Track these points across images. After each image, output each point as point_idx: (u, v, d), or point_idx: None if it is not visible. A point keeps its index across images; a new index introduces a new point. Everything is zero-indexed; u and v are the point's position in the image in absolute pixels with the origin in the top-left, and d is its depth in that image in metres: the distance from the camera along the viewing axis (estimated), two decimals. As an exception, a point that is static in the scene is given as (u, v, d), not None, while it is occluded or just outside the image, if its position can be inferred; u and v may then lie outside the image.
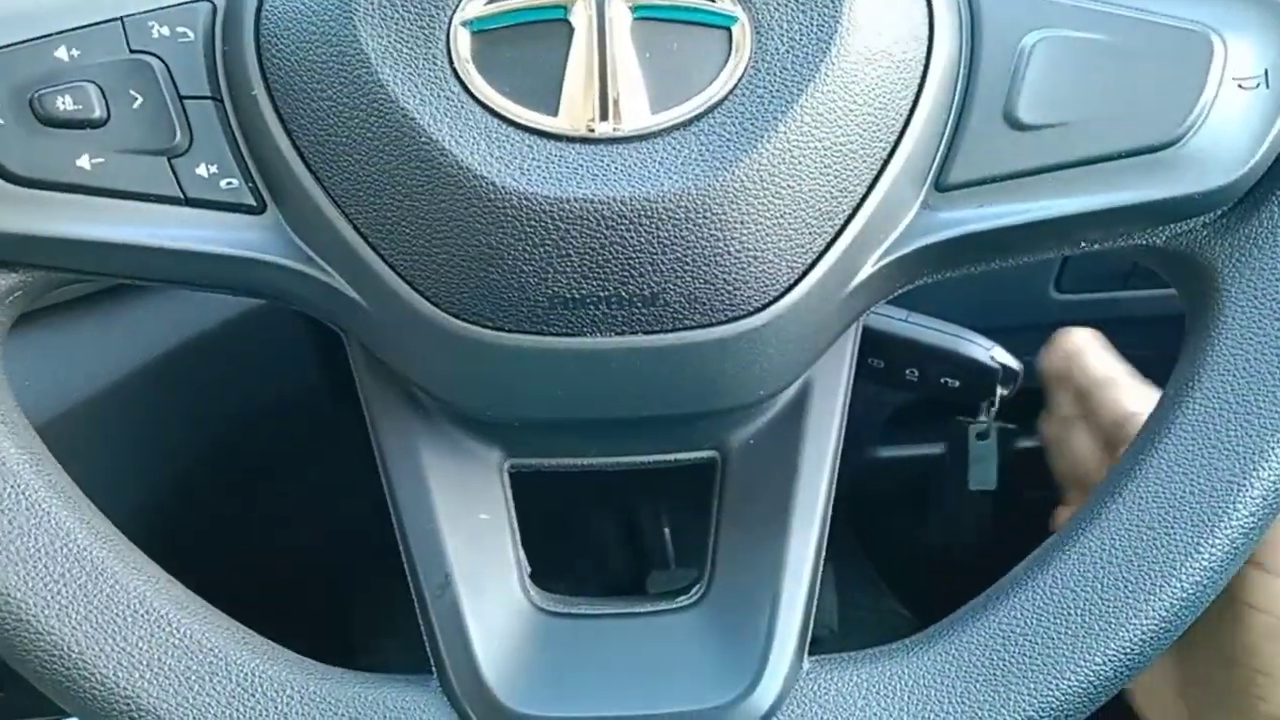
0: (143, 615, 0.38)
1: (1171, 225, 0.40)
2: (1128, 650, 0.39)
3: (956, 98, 0.38)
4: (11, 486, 0.38)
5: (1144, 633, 0.39)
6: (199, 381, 0.64)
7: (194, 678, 0.38)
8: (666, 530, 1.06)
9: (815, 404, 0.41)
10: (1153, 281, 0.71)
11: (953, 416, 0.66)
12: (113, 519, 0.40)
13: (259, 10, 0.37)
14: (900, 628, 1.07)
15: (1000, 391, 0.61)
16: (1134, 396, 0.54)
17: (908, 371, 0.61)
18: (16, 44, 0.37)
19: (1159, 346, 0.74)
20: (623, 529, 1.06)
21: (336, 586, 0.97)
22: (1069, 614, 0.39)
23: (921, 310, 0.62)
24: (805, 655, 0.39)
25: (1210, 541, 0.39)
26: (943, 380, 0.61)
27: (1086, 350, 0.57)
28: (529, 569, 0.41)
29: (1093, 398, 0.56)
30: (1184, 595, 0.39)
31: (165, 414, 0.65)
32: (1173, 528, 0.39)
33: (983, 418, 0.62)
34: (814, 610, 0.40)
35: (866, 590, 1.05)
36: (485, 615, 0.39)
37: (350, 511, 0.87)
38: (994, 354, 0.60)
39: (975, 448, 0.61)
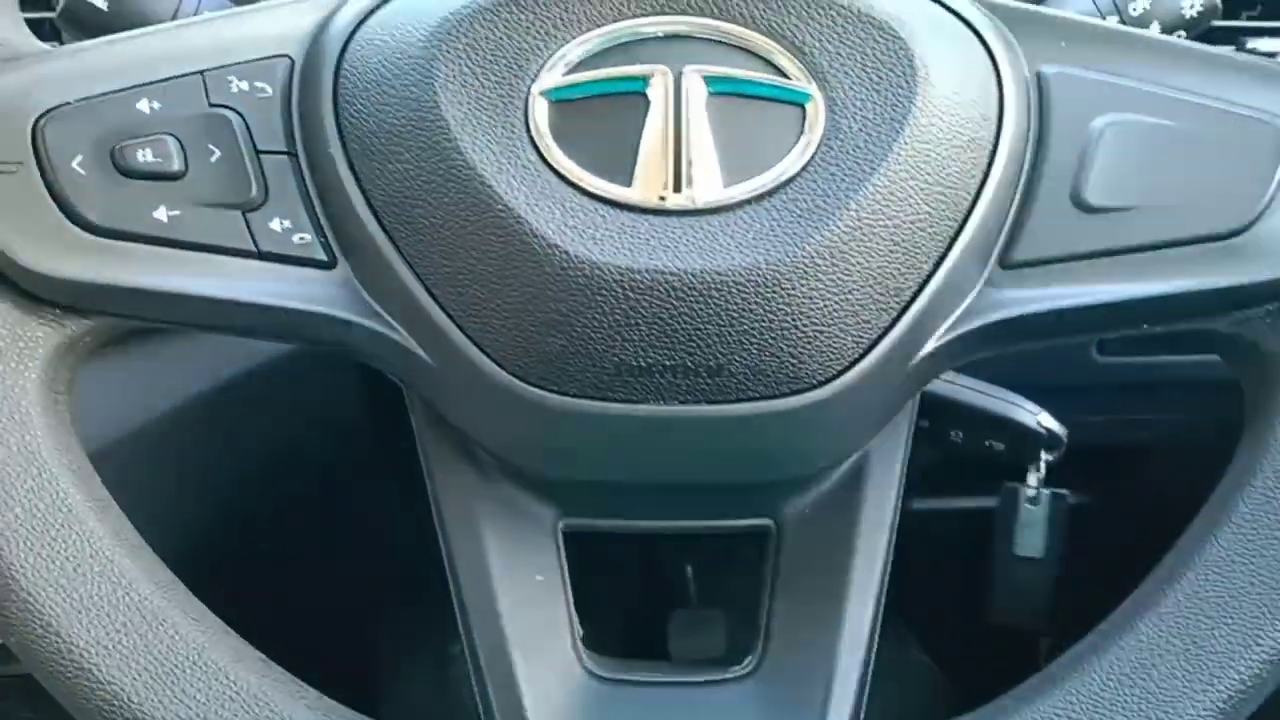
0: (201, 667, 0.38)
1: (1235, 312, 0.40)
2: None
3: (1024, 178, 0.38)
4: (77, 534, 0.38)
5: None
6: (244, 417, 0.65)
7: None
8: (689, 568, 1.06)
9: (873, 475, 0.41)
10: (1197, 346, 0.70)
11: (986, 473, 0.66)
12: (154, 550, 0.40)
13: (338, 69, 0.38)
14: (925, 679, 1.06)
15: (1045, 457, 0.61)
16: None
17: (952, 433, 0.61)
18: (101, 95, 0.37)
19: (1202, 411, 0.74)
20: (644, 566, 1.06)
21: (363, 624, 0.97)
22: (1124, 704, 0.39)
23: (964, 371, 0.62)
24: None
25: (1271, 633, 0.38)
26: (988, 443, 0.60)
27: None
28: (581, 632, 0.41)
29: None
30: (1242, 687, 0.38)
31: (210, 448, 0.66)
32: (1231, 618, 0.39)
33: (1031, 482, 0.61)
34: (868, 683, 0.40)
35: (891, 640, 1.04)
36: (539, 680, 0.39)
37: (382, 549, 0.88)
38: (1040, 419, 0.60)
39: (1025, 513, 0.61)
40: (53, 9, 0.46)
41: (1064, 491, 0.62)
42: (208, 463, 0.68)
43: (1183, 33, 0.49)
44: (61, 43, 0.54)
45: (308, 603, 0.85)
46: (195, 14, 0.46)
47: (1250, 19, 0.65)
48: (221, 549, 0.71)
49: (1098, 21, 0.46)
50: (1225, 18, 0.62)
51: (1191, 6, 0.48)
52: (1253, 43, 0.62)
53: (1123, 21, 0.48)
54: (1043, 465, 0.61)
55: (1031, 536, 0.62)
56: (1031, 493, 0.61)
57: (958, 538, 0.78)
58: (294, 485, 0.73)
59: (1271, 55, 0.44)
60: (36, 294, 0.38)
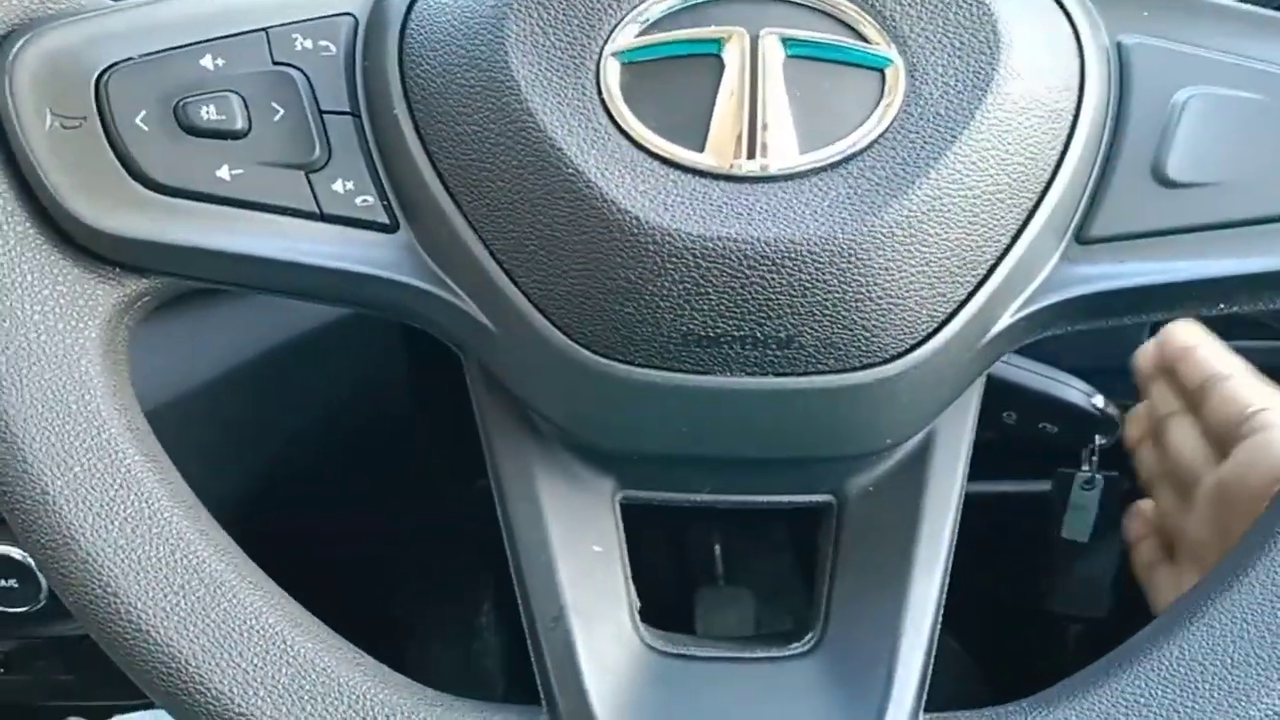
0: (259, 632, 0.38)
1: None
2: None
3: (1103, 150, 0.37)
4: (135, 495, 0.38)
5: None
6: (289, 382, 0.64)
7: (307, 698, 0.37)
8: (717, 546, 1.06)
9: (939, 452, 0.40)
10: (1256, 332, 0.69)
11: (1023, 457, 0.65)
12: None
13: (404, 27, 0.37)
14: (954, 664, 1.06)
15: (1099, 440, 0.60)
16: (1254, 392, 0.53)
17: (1005, 414, 0.60)
18: (165, 50, 0.37)
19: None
20: (672, 542, 1.06)
21: (392, 591, 0.97)
22: (1195, 689, 0.38)
23: (1019, 350, 0.61)
24: (921, 711, 0.39)
25: None
26: (1041, 425, 0.60)
27: (1201, 344, 0.55)
28: (639, 605, 0.41)
29: (1207, 392, 0.54)
30: None
31: (255, 412, 0.65)
32: None
33: (1085, 466, 0.61)
34: (931, 664, 0.39)
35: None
36: (597, 651, 0.38)
37: (418, 518, 0.88)
38: (1095, 401, 0.60)
39: (1077, 495, 0.60)
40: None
41: (1118, 474, 0.61)
42: (252, 427, 0.67)
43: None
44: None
45: (342, 568, 0.85)
46: None
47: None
48: (260, 513, 0.71)
49: None
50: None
51: (1273, -24, 0.47)
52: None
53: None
54: (1096, 447, 0.60)
55: (1080, 520, 0.61)
56: (1086, 476, 0.60)
57: (987, 523, 0.77)
58: (337, 450, 0.73)
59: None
60: (97, 252, 0.38)
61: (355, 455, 0.74)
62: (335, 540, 0.84)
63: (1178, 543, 0.55)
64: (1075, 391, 0.60)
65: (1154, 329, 0.74)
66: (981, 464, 0.79)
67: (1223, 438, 0.53)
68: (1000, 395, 0.60)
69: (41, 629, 0.70)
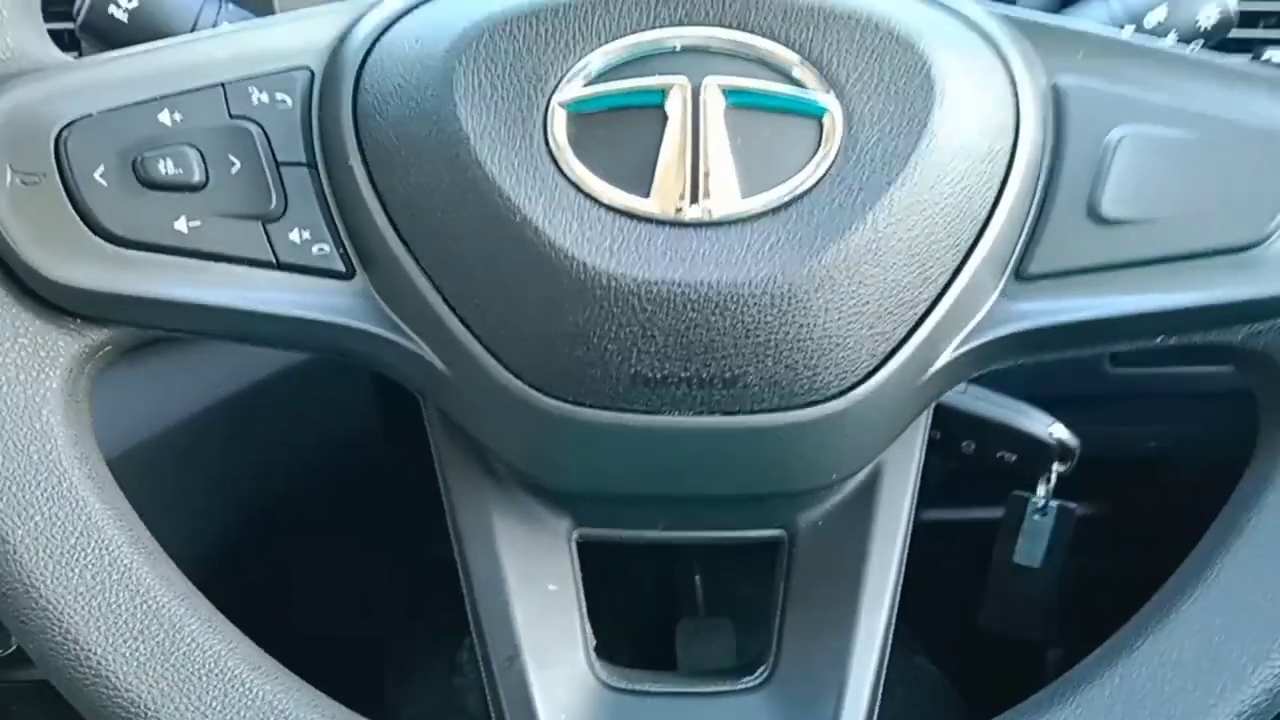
0: (218, 675, 0.38)
1: (1250, 325, 0.40)
2: None
3: (1040, 190, 0.38)
4: (95, 543, 0.38)
5: None
6: (258, 426, 0.65)
7: None
8: (698, 577, 1.06)
9: (886, 486, 0.41)
10: (1211, 358, 0.70)
11: (997, 484, 0.66)
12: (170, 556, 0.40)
13: (358, 81, 0.38)
14: (933, 689, 1.06)
15: (1057, 468, 0.61)
16: None
17: (964, 444, 0.61)
18: (123, 107, 0.38)
19: (1216, 423, 0.74)
20: (653, 574, 1.06)
21: (372, 632, 0.97)
22: (1134, 717, 0.38)
23: (976, 382, 0.62)
24: None
25: None
26: (999, 454, 0.60)
27: None
28: (595, 642, 0.41)
29: None
30: (1255, 701, 0.38)
31: (224, 456, 0.66)
32: (1246, 631, 0.39)
33: (1040, 493, 0.61)
34: (879, 695, 0.40)
35: (900, 650, 1.04)
36: (552, 690, 0.39)
37: (392, 558, 0.88)
38: (1053, 430, 0.60)
39: (1029, 523, 0.61)
40: (74, 20, 0.47)
41: (1072, 505, 0.62)
42: (221, 471, 0.68)
43: (1200, 43, 0.49)
44: (81, 53, 0.54)
45: (318, 610, 0.85)
46: (214, 26, 0.47)
47: (1268, 28, 0.65)
48: (233, 556, 0.72)
49: (1114, 33, 0.46)
50: (1242, 27, 0.62)
51: (1208, 17, 0.48)
52: (1269, 53, 0.62)
53: (1139, 32, 0.48)
54: (1053, 476, 0.61)
55: (1032, 546, 0.62)
56: (1040, 503, 0.61)
57: (968, 548, 0.78)
58: (307, 493, 0.73)
59: (1287, 66, 0.44)
60: (58, 304, 0.39)
61: (328, 494, 0.75)
62: (312, 580, 0.84)
63: None
64: (1034, 422, 0.61)
65: (1115, 359, 0.75)
66: (958, 491, 0.80)
67: None
68: (959, 425, 0.60)
69: (13, 674, 0.70)
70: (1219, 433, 0.70)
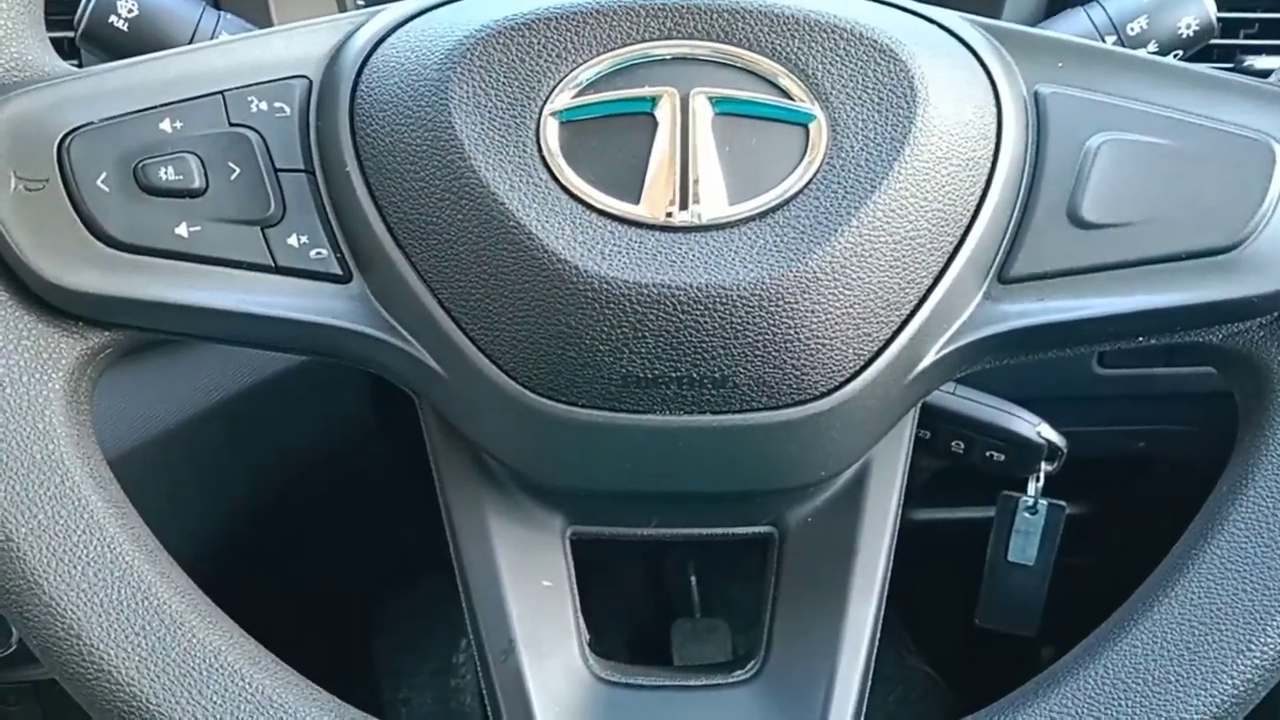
0: (217, 669, 0.39)
1: (1229, 325, 0.41)
2: None
3: (1021, 195, 0.39)
4: (97, 540, 0.39)
5: None
6: (257, 426, 0.66)
7: None
8: (693, 578, 1.07)
9: (874, 484, 0.42)
10: (1195, 359, 0.71)
11: (988, 484, 0.67)
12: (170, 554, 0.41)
13: (354, 90, 0.39)
14: (926, 686, 1.07)
15: (1045, 467, 0.62)
16: None
17: (953, 444, 0.62)
18: (125, 115, 0.38)
19: (1200, 422, 0.75)
20: (648, 574, 1.07)
21: (368, 630, 0.98)
22: (1119, 708, 0.39)
23: (964, 382, 0.63)
24: None
25: (1262, 640, 0.39)
26: (988, 454, 0.61)
27: None
28: (588, 636, 0.42)
29: None
30: (1236, 691, 0.39)
31: (223, 456, 0.67)
32: (1225, 624, 0.40)
33: (1030, 492, 0.62)
34: (868, 689, 0.40)
35: (892, 646, 1.05)
36: (547, 683, 0.40)
37: (389, 557, 0.89)
38: (1040, 430, 0.61)
39: (1021, 521, 0.62)
40: (74, 29, 0.48)
41: (1062, 503, 0.63)
42: (220, 471, 0.69)
43: (1180, 51, 0.50)
44: (81, 61, 0.55)
45: (315, 607, 0.86)
46: (213, 36, 0.47)
47: (1248, 36, 0.66)
48: (231, 554, 0.72)
49: (1094, 43, 0.47)
50: (1223, 36, 0.63)
51: (1188, 26, 0.49)
52: (1250, 59, 0.63)
53: (1120, 41, 0.49)
54: (1042, 475, 0.62)
55: (1025, 544, 0.63)
56: (1030, 502, 0.62)
57: (960, 547, 0.79)
58: (304, 492, 0.74)
59: (1268, 73, 0.44)
60: (60, 307, 0.39)
61: (326, 494, 0.76)
62: (310, 580, 0.84)
63: None
64: (1022, 422, 0.62)
65: (1102, 360, 0.76)
66: (948, 491, 0.81)
67: None
68: (949, 425, 0.61)
69: (14, 673, 0.71)
70: (1204, 433, 0.71)
